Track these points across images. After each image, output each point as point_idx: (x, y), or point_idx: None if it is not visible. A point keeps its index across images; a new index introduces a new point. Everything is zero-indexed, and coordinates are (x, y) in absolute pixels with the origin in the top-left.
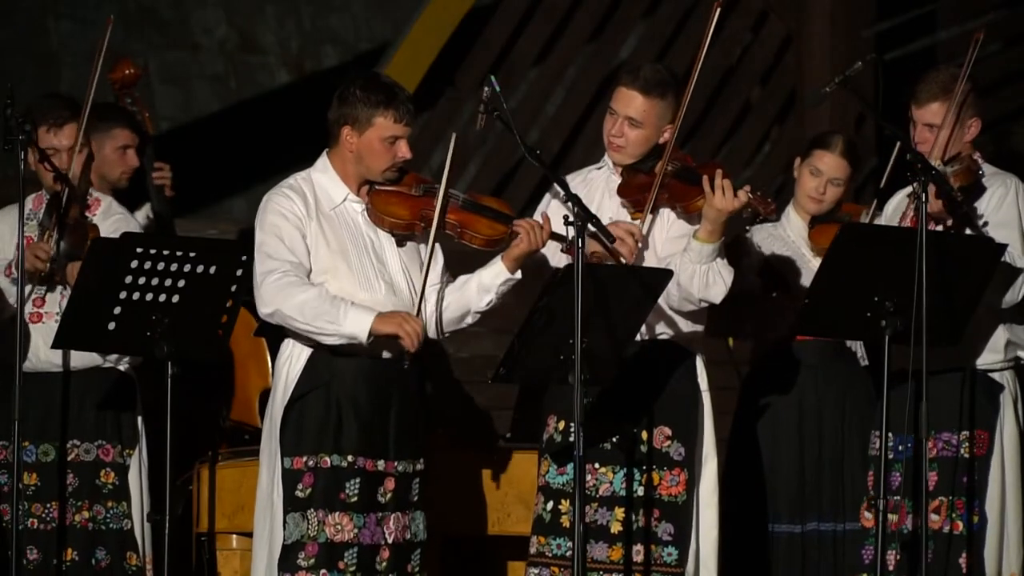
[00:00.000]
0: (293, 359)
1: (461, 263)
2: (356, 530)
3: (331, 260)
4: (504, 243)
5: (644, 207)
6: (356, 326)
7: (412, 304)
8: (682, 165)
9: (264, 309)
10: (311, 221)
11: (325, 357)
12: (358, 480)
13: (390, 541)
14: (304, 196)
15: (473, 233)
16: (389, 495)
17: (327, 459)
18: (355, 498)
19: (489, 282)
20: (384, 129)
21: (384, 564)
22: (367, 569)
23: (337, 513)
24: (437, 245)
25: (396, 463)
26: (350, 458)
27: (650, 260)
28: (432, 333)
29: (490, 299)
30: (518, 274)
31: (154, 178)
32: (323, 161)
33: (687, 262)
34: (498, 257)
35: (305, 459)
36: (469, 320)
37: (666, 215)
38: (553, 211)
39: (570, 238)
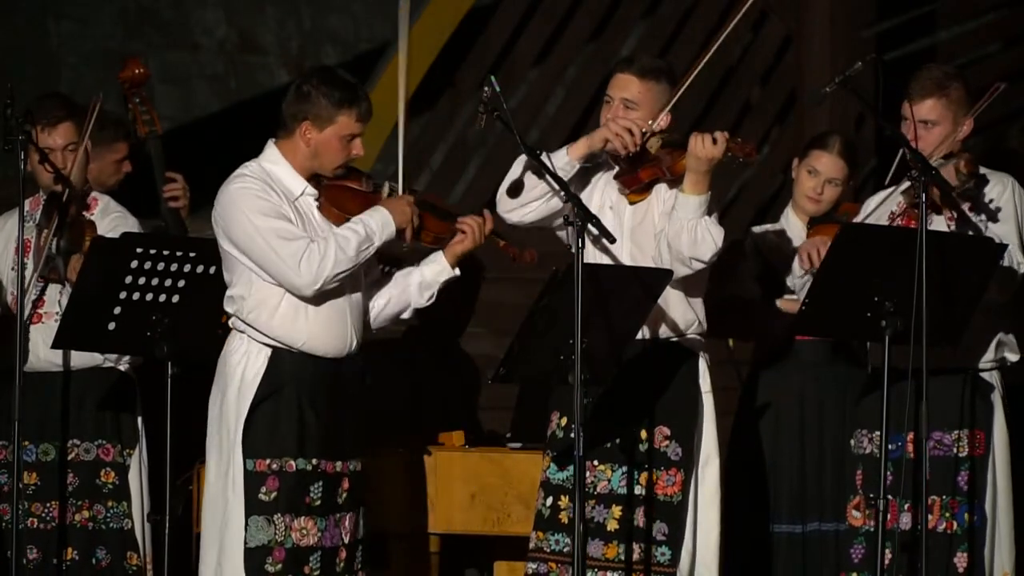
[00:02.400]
0: (251, 357)
1: None
2: (319, 533)
3: None
4: (448, 240)
5: (635, 185)
6: (386, 231)
7: (361, 297)
8: (669, 136)
9: (314, 286)
10: (283, 210)
11: (285, 356)
12: (321, 483)
13: (347, 541)
14: (268, 186)
15: (425, 230)
16: (345, 495)
17: (292, 463)
18: (319, 501)
19: (432, 279)
20: (346, 127)
21: (342, 565)
22: (328, 571)
23: (302, 518)
24: None
25: (349, 463)
26: (314, 461)
27: (648, 235)
28: (371, 327)
29: (431, 294)
30: (457, 271)
31: (165, 196)
32: (274, 152)
33: (675, 218)
34: (439, 254)
35: (268, 462)
36: (406, 316)
37: (662, 191)
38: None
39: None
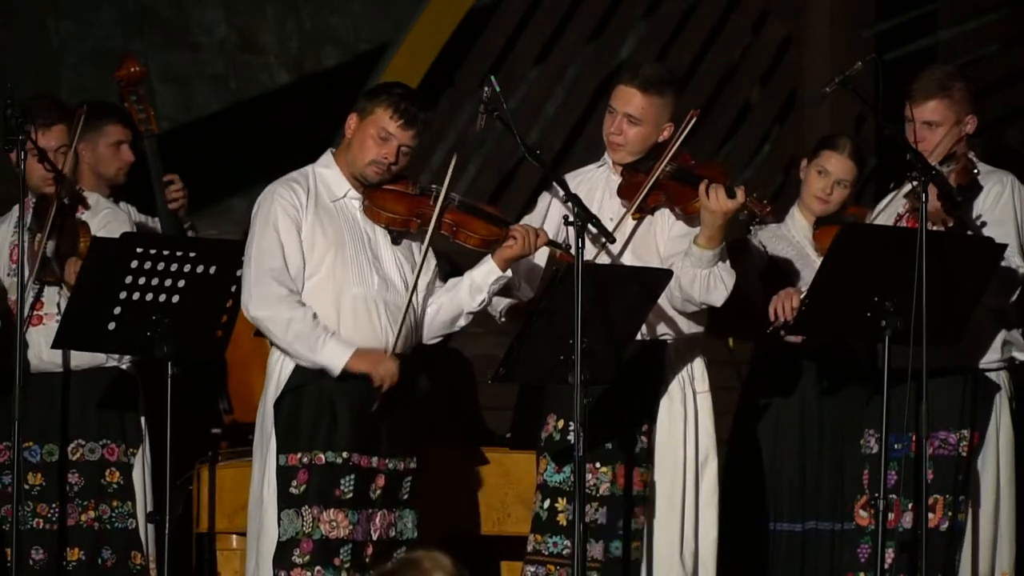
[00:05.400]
0: (286, 358)
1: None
2: (351, 526)
3: (327, 251)
4: (498, 244)
5: (638, 206)
6: (331, 359)
7: (404, 300)
8: (679, 166)
9: (253, 311)
10: (309, 213)
11: None
12: (352, 476)
13: (375, 538)
14: (307, 188)
15: (469, 232)
16: (379, 492)
17: (321, 456)
18: (350, 495)
19: (481, 281)
20: (380, 120)
21: (368, 561)
22: (360, 565)
23: (332, 510)
24: (431, 250)
25: (388, 460)
26: (344, 454)
27: (652, 260)
28: (423, 338)
29: (483, 298)
30: (508, 272)
31: (168, 198)
32: (327, 157)
33: (688, 266)
34: (488, 256)
35: (299, 456)
36: (461, 322)
37: (668, 214)
38: (552, 211)
39: (565, 244)
